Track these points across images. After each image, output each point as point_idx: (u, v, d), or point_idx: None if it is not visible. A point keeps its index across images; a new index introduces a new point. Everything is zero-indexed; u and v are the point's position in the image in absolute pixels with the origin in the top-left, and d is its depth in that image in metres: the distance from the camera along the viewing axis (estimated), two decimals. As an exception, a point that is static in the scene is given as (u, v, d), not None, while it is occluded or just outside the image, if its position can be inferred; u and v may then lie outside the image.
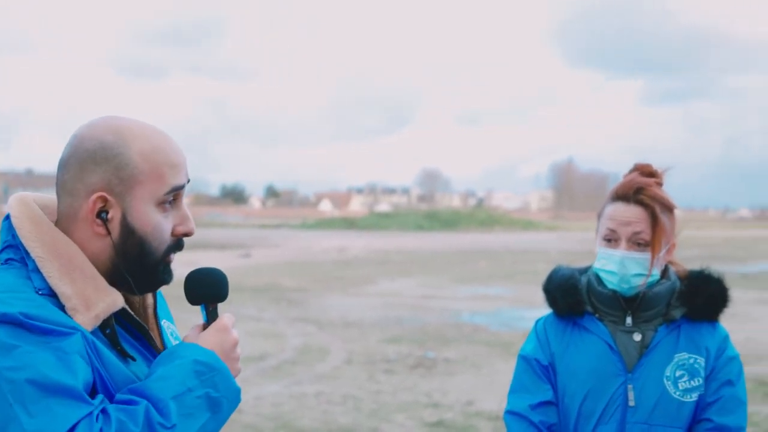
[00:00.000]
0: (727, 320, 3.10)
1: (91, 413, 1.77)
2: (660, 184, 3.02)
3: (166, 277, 2.08)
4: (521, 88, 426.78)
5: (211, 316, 2.11)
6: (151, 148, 2.00)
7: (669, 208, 3.00)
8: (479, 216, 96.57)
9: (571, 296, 3.07)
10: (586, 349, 3.01)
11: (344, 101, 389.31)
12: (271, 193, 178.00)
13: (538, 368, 3.07)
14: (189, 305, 2.13)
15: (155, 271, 2.05)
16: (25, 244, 1.95)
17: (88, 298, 1.93)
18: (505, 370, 11.35)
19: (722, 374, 2.98)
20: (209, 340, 2.03)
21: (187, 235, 2.09)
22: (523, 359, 3.13)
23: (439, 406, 9.82)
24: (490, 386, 10.70)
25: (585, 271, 3.15)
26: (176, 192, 2.04)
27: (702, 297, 3.03)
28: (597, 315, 3.06)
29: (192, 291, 2.11)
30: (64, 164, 2.00)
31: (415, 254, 41.29)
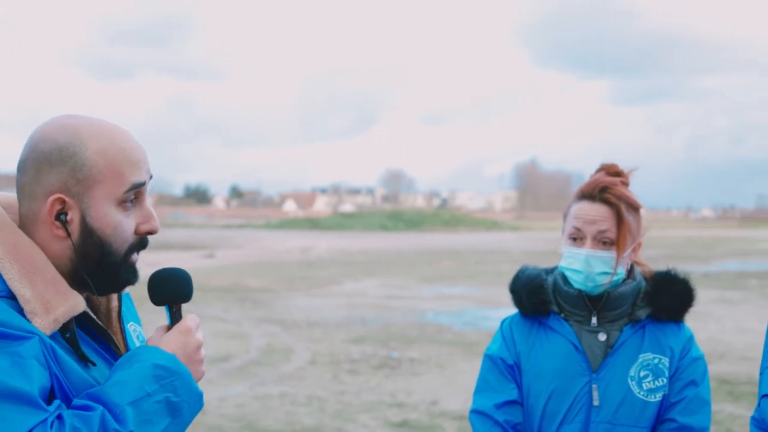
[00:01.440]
0: (689, 320, 3.12)
1: (45, 420, 1.73)
2: (626, 184, 3.04)
3: (130, 277, 2.04)
4: (488, 89, 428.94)
5: (174, 318, 2.07)
6: (108, 146, 1.96)
7: (635, 208, 3.01)
8: (443, 216, 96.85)
9: (536, 296, 3.07)
10: (552, 348, 3.01)
11: (310, 102, 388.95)
12: (235, 193, 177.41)
13: (503, 367, 3.08)
14: (156, 306, 2.09)
15: (117, 271, 2.01)
16: None
17: (47, 301, 1.89)
18: (470, 370, 11.38)
19: (686, 374, 2.99)
20: (171, 342, 2.00)
21: (150, 233, 2.05)
22: (489, 358, 3.14)
23: (403, 406, 9.82)
24: (455, 386, 10.71)
25: (551, 271, 3.16)
26: (137, 189, 2.00)
27: (667, 297, 3.04)
28: (563, 315, 3.07)
29: (155, 291, 2.07)
30: (21, 167, 1.97)
31: (380, 254, 41.30)
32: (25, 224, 1.98)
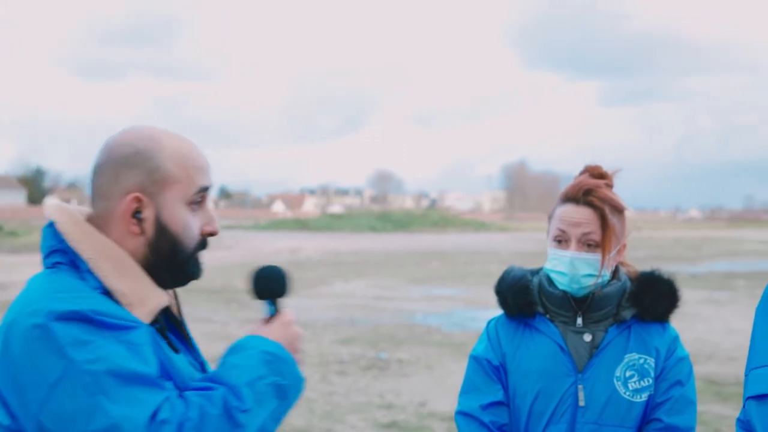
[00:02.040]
0: (676, 320, 3.12)
1: (168, 397, 1.91)
2: (610, 186, 3.04)
3: (195, 271, 2.22)
4: (477, 90, 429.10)
5: (274, 311, 2.28)
6: (180, 152, 2.14)
7: (619, 210, 3.01)
8: (432, 217, 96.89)
9: (521, 297, 3.08)
10: (537, 349, 3.02)
11: (299, 102, 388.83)
12: (224, 194, 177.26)
13: (488, 369, 3.08)
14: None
15: (185, 267, 2.18)
16: (75, 248, 2.06)
17: (141, 294, 2.07)
18: (458, 371, 11.35)
19: (672, 374, 3.00)
20: (274, 332, 2.20)
21: (212, 234, 2.23)
22: (474, 360, 3.14)
23: (392, 407, 9.83)
24: (443, 387, 10.73)
25: (537, 272, 3.17)
26: (203, 193, 2.18)
27: (652, 298, 3.05)
28: (548, 316, 3.07)
29: (258, 286, 2.28)
30: (98, 170, 2.13)
31: (368, 255, 41.31)
32: (98, 224, 2.13)
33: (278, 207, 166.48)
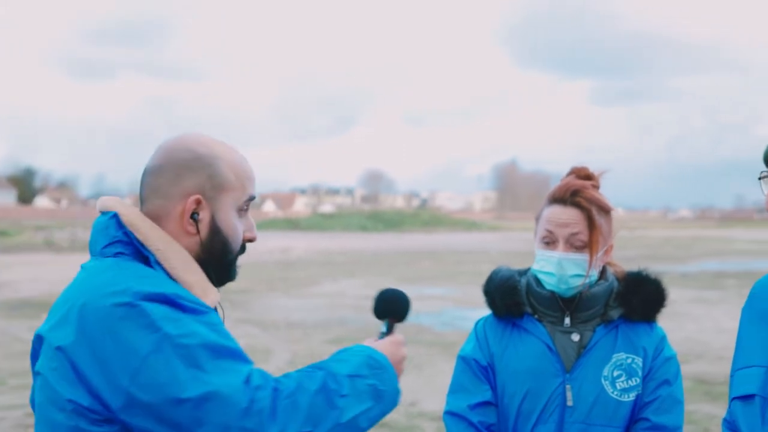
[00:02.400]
0: (667, 319, 3.13)
1: (257, 368, 2.06)
2: (597, 187, 3.06)
3: (234, 274, 2.35)
4: (469, 90, 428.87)
5: (389, 330, 2.43)
6: (236, 161, 2.30)
7: (605, 210, 3.03)
8: (423, 216, 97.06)
9: (509, 297, 3.08)
10: (525, 349, 3.03)
11: (290, 102, 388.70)
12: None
13: (477, 369, 3.09)
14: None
15: (230, 268, 2.33)
16: (143, 240, 2.17)
17: (204, 287, 2.21)
18: (449, 371, 11.29)
19: (659, 374, 3.01)
20: (384, 347, 2.32)
21: (252, 240, 2.37)
22: (462, 360, 3.15)
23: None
24: (434, 386, 10.73)
25: (525, 272, 3.17)
26: (250, 201, 2.34)
27: (639, 298, 3.06)
28: (536, 316, 3.08)
29: (381, 307, 2.46)
30: (157, 171, 2.25)
31: (359, 255, 41.33)
32: (153, 221, 2.24)
33: (269, 206, 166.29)
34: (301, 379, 2.09)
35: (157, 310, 1.99)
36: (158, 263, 2.16)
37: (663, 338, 3.09)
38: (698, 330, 16.17)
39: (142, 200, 2.28)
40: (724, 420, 2.66)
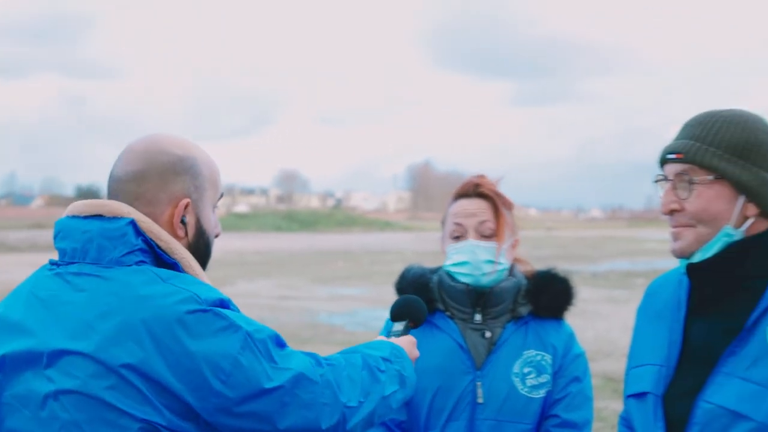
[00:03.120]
0: (577, 318, 3.19)
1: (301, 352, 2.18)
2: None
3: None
4: (387, 90, 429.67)
5: (405, 332, 2.64)
6: (208, 160, 2.31)
7: (508, 205, 3.12)
8: (337, 216, 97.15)
9: (422, 294, 3.08)
10: (437, 346, 3.04)
11: (205, 101, 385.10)
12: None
13: None
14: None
15: (206, 266, 2.31)
16: (168, 248, 2.15)
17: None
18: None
19: (569, 371, 3.05)
20: (403, 343, 2.51)
21: (218, 236, 2.38)
22: None
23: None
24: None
25: (436, 270, 3.20)
26: (221, 198, 2.37)
27: (548, 295, 3.11)
28: (448, 313, 3.11)
29: (404, 310, 2.74)
30: (139, 177, 2.19)
31: (273, 255, 41.20)
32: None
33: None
34: (347, 357, 2.27)
35: (228, 313, 2.04)
36: (184, 271, 2.15)
37: (571, 336, 3.13)
38: (607, 329, 16.40)
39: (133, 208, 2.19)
40: (621, 417, 2.72)
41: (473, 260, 3.02)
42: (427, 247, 47.79)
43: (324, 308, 19.80)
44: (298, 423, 2.06)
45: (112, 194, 2.22)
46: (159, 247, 2.13)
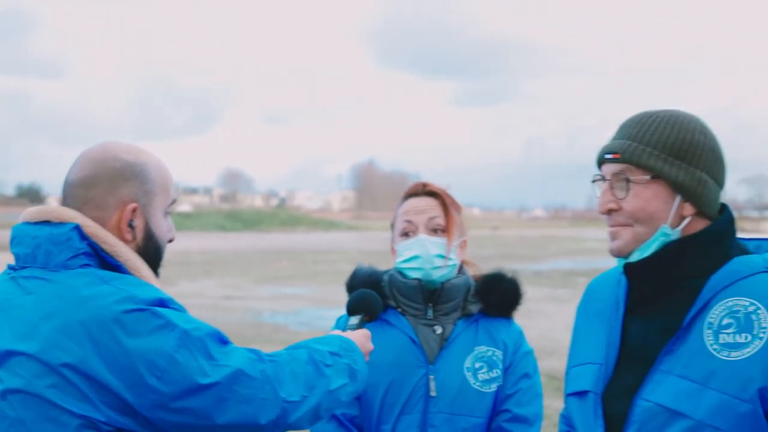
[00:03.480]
0: (521, 317, 3.21)
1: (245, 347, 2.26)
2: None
3: (158, 275, 2.42)
4: (332, 89, 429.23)
5: (360, 325, 2.73)
6: (160, 166, 2.39)
7: (456, 207, 3.17)
8: (281, 216, 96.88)
9: (362, 311, 3.12)
10: (389, 342, 3.06)
11: (149, 100, 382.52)
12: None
13: None
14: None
15: (158, 270, 2.41)
16: (111, 251, 2.23)
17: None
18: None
19: (520, 367, 3.10)
20: (355, 337, 2.58)
21: (171, 240, 2.46)
22: None
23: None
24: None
25: (387, 271, 3.24)
26: (173, 203, 2.44)
27: (497, 294, 3.15)
28: (399, 309, 3.13)
29: (357, 304, 2.82)
30: (88, 182, 2.28)
31: (216, 255, 41.03)
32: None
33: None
34: (290, 353, 2.33)
35: (165, 312, 2.11)
36: (129, 273, 2.23)
37: (520, 333, 3.19)
38: (550, 327, 16.54)
39: (81, 212, 2.28)
40: (561, 415, 2.75)
41: (424, 254, 3.06)
42: (371, 247, 47.85)
43: (268, 308, 19.75)
44: (236, 418, 2.13)
45: (65, 198, 2.31)
46: (104, 251, 2.22)
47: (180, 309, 2.18)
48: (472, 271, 3.24)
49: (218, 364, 2.11)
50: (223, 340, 2.19)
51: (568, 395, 2.60)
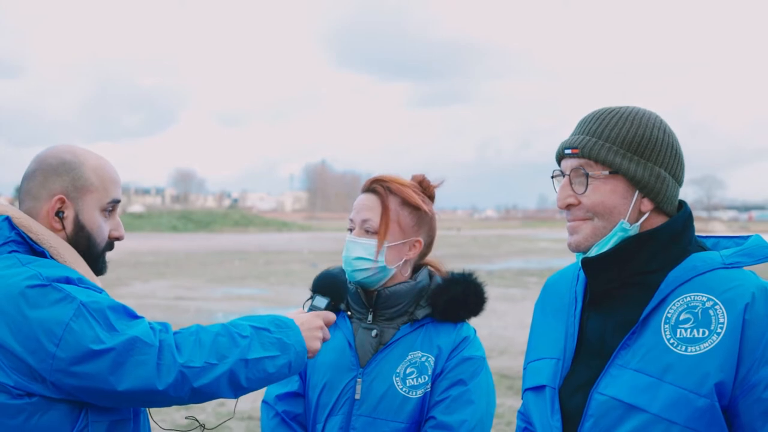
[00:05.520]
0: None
1: (153, 321, 2.42)
2: (423, 189, 3.18)
3: (102, 268, 2.69)
4: (287, 90, 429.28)
5: (327, 308, 2.82)
6: (99, 167, 2.64)
7: (412, 205, 3.11)
8: (233, 217, 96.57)
9: (329, 294, 3.11)
10: (331, 344, 3.05)
11: (103, 101, 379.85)
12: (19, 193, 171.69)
13: None
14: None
15: (97, 261, 2.65)
16: (36, 239, 2.51)
17: (92, 277, 2.57)
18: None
19: (453, 374, 3.03)
20: (299, 316, 2.70)
21: (119, 239, 2.73)
22: None
23: (190, 408, 9.72)
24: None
25: None
26: (115, 203, 2.67)
27: (444, 298, 3.10)
28: (349, 313, 3.15)
29: (322, 285, 2.90)
30: (30, 176, 2.60)
31: (169, 255, 40.81)
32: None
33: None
34: (201, 326, 2.48)
35: (67, 287, 2.34)
36: (52, 258, 2.49)
37: (465, 339, 3.10)
38: (502, 326, 16.65)
39: (20, 202, 2.62)
40: (519, 412, 2.74)
41: (345, 256, 3.08)
42: (324, 247, 47.86)
43: (220, 308, 19.66)
44: (134, 383, 2.30)
45: (18, 191, 2.63)
46: (30, 239, 2.50)
47: (91, 287, 2.43)
48: (439, 274, 3.21)
49: (117, 333, 2.31)
50: (131, 314, 2.40)
51: (525, 390, 2.60)
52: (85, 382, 2.28)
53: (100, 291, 2.46)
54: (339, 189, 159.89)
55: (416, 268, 3.20)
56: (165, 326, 2.42)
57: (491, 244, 57.39)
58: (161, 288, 24.34)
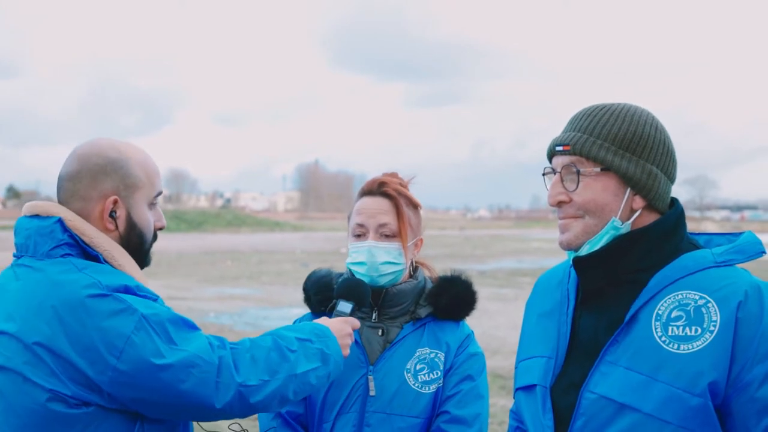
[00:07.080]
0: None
1: (211, 334, 2.44)
2: (404, 186, 3.19)
3: (149, 261, 2.70)
4: (284, 90, 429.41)
5: (351, 313, 2.90)
6: (144, 161, 2.61)
7: (413, 205, 3.17)
8: (226, 217, 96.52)
9: (323, 293, 3.16)
10: None
11: (99, 101, 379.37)
12: (13, 193, 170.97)
13: None
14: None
15: (146, 257, 2.66)
16: (90, 242, 2.46)
17: (143, 278, 2.54)
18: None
19: (462, 369, 3.10)
20: (332, 323, 2.76)
21: (161, 228, 2.71)
22: None
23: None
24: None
25: (342, 274, 3.24)
26: (159, 195, 2.66)
27: (446, 298, 3.14)
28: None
29: (344, 289, 2.97)
30: (74, 176, 2.52)
31: (161, 255, 40.71)
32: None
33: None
34: (254, 340, 2.51)
35: (127, 297, 2.31)
36: (106, 262, 2.46)
37: (468, 336, 3.18)
38: (495, 326, 16.64)
39: (62, 203, 2.53)
40: (511, 411, 2.74)
41: (370, 262, 3.06)
42: (316, 247, 47.87)
43: (212, 308, 19.62)
44: (192, 400, 2.31)
45: (58, 191, 2.55)
46: (83, 242, 2.45)
47: (148, 296, 2.40)
48: (428, 273, 3.26)
49: (176, 348, 2.30)
50: (189, 326, 2.39)
51: (517, 389, 2.59)
52: (144, 395, 2.28)
53: (156, 298, 2.44)
54: (331, 189, 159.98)
55: (413, 268, 3.24)
56: (222, 342, 2.43)
57: (484, 243, 57.41)
58: (153, 287, 23.99)
